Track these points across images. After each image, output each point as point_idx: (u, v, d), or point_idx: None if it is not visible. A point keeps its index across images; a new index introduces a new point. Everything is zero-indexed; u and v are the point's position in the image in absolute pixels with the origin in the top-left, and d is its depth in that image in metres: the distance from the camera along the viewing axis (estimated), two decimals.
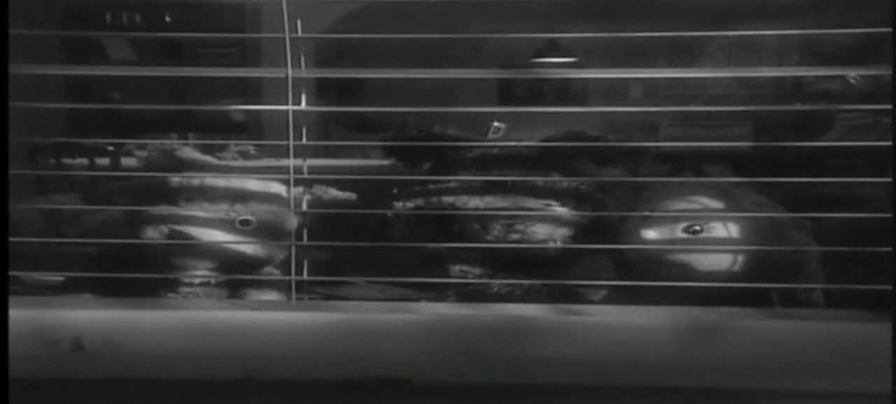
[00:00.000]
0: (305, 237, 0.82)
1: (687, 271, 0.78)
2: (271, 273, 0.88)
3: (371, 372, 0.72)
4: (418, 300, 0.83)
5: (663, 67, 1.30)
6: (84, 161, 1.10)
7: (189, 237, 0.82)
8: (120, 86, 1.23)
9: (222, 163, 0.89)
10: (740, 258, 0.78)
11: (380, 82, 0.82)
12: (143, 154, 0.88)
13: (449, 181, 0.85)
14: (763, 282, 0.76)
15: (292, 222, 0.84)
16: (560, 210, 0.83)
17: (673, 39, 1.18)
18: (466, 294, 0.82)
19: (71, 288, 0.85)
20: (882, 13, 0.69)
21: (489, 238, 0.82)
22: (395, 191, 0.86)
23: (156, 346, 0.73)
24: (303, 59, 0.78)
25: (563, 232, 0.83)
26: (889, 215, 0.69)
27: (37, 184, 1.04)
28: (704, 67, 1.26)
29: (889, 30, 0.67)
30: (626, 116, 0.82)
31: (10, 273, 0.70)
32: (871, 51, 0.80)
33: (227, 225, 0.84)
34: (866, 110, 0.91)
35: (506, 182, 0.83)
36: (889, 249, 0.67)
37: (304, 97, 0.79)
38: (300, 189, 0.83)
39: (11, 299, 0.68)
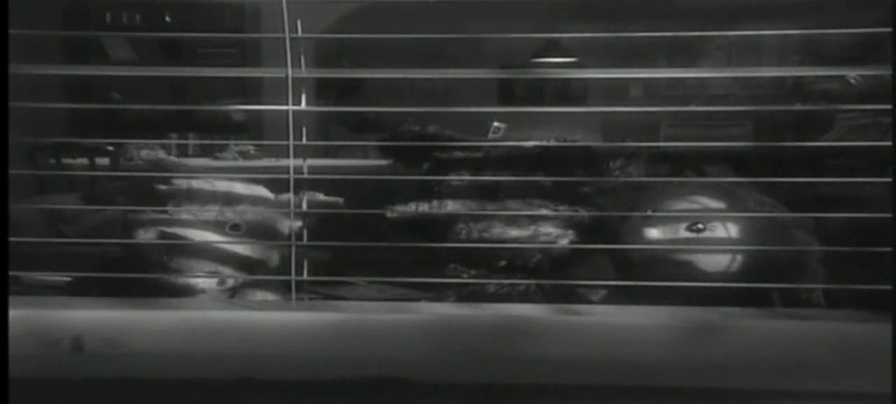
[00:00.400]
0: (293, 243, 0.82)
1: (690, 271, 0.78)
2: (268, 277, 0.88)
3: (371, 372, 0.72)
4: (418, 300, 0.83)
5: (663, 67, 1.30)
6: (83, 161, 1.10)
7: (178, 240, 0.82)
8: (120, 86, 1.23)
9: (216, 165, 0.89)
10: (742, 258, 0.78)
11: (379, 82, 0.82)
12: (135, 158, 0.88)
13: (447, 182, 0.85)
14: (765, 281, 0.76)
15: (285, 225, 0.84)
16: (561, 210, 0.83)
17: (673, 39, 1.18)
18: (467, 294, 0.82)
19: (67, 288, 0.85)
20: (882, 13, 0.69)
21: (487, 237, 0.82)
22: (386, 193, 0.85)
23: (156, 346, 0.73)
24: (303, 58, 0.78)
25: (565, 232, 0.83)
26: (889, 215, 0.69)
27: (36, 184, 1.04)
28: (704, 67, 1.26)
29: (889, 30, 0.67)
30: (626, 116, 0.82)
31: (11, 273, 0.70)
32: (871, 51, 0.80)
33: (217, 228, 0.84)
34: (866, 110, 0.91)
35: (503, 182, 0.83)
36: (889, 249, 0.67)
37: (303, 97, 0.79)
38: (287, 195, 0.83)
39: (11, 299, 0.68)
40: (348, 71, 1.23)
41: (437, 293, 0.82)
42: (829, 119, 0.98)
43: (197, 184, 0.85)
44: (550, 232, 0.83)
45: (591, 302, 0.82)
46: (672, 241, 0.79)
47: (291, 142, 0.77)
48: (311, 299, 0.82)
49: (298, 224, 0.84)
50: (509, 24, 0.83)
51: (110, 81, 1.06)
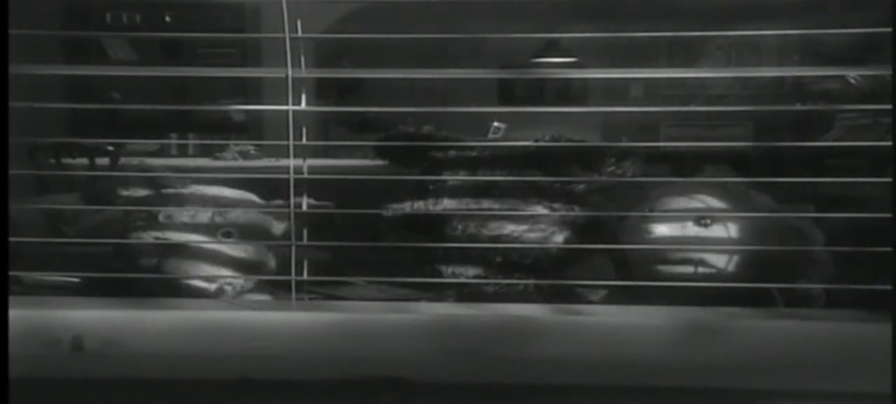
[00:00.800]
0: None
1: (694, 270, 0.78)
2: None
3: (371, 372, 0.72)
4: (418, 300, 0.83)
5: (663, 67, 1.30)
6: (83, 161, 1.10)
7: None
8: (120, 86, 1.23)
9: (216, 165, 0.89)
10: (744, 257, 0.79)
11: (379, 82, 0.82)
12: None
13: (446, 182, 0.85)
14: (765, 281, 0.76)
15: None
16: (561, 210, 0.83)
17: (673, 39, 1.18)
18: (470, 295, 0.82)
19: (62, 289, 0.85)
20: (882, 13, 0.69)
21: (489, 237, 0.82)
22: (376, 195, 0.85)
23: (156, 346, 0.73)
24: (303, 59, 0.78)
25: (567, 232, 0.83)
26: (889, 215, 0.69)
27: (35, 184, 1.04)
28: (704, 67, 1.26)
29: (889, 30, 0.67)
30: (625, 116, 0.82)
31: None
32: (871, 51, 0.80)
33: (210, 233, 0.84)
34: (866, 110, 0.91)
35: (501, 182, 0.83)
36: (889, 249, 0.67)
37: (304, 97, 0.79)
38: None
39: (11, 299, 0.68)
40: (348, 71, 1.23)
41: (455, 291, 0.82)
42: (829, 119, 0.98)
43: (192, 189, 0.86)
44: (552, 231, 0.83)
45: (601, 302, 0.82)
46: (676, 240, 0.79)
47: (291, 142, 0.77)
48: (311, 299, 0.82)
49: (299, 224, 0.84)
50: (509, 24, 0.83)
51: (110, 81, 1.06)
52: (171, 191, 0.86)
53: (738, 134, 1.12)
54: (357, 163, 1.12)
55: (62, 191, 0.98)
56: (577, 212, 0.83)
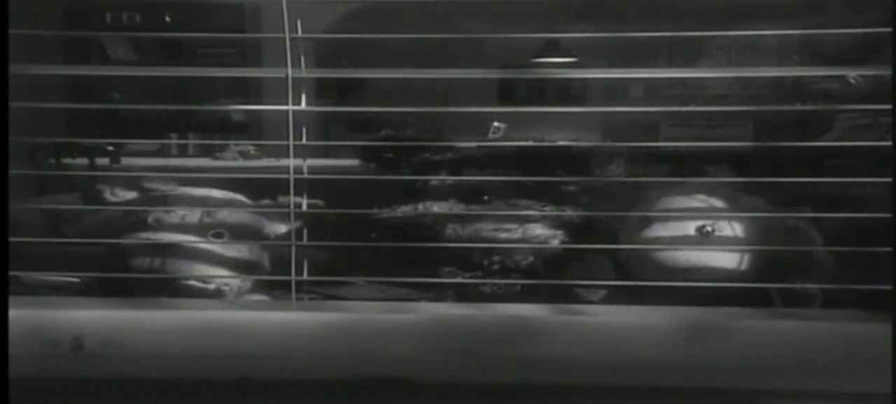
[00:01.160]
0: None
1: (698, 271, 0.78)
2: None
3: (371, 372, 0.72)
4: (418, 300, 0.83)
5: (663, 67, 1.30)
6: (83, 161, 1.10)
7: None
8: (120, 86, 1.23)
9: (215, 165, 0.89)
10: (744, 257, 0.79)
11: (378, 82, 0.82)
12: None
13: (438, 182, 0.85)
14: (765, 281, 0.76)
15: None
16: (563, 210, 0.83)
17: (673, 39, 1.18)
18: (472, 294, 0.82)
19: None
20: (882, 13, 0.69)
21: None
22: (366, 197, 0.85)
23: (156, 346, 0.73)
24: (303, 59, 0.78)
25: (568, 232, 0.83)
26: (889, 215, 0.69)
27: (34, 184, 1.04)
28: (704, 67, 1.26)
29: (889, 30, 0.67)
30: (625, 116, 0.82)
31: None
32: (871, 51, 0.80)
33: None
34: (866, 110, 0.91)
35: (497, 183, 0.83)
36: (889, 249, 0.67)
37: (303, 97, 0.79)
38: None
39: (11, 299, 0.68)
40: (348, 71, 1.23)
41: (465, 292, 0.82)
42: (829, 119, 0.98)
43: (187, 191, 0.86)
44: (555, 232, 0.83)
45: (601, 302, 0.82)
46: (676, 241, 0.79)
47: (291, 142, 0.77)
48: (311, 299, 0.82)
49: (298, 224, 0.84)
50: (509, 24, 0.83)
51: (110, 81, 1.06)
52: (163, 192, 0.86)
53: (738, 134, 1.12)
54: (357, 163, 1.12)
55: (62, 191, 0.98)
56: (579, 211, 0.84)
